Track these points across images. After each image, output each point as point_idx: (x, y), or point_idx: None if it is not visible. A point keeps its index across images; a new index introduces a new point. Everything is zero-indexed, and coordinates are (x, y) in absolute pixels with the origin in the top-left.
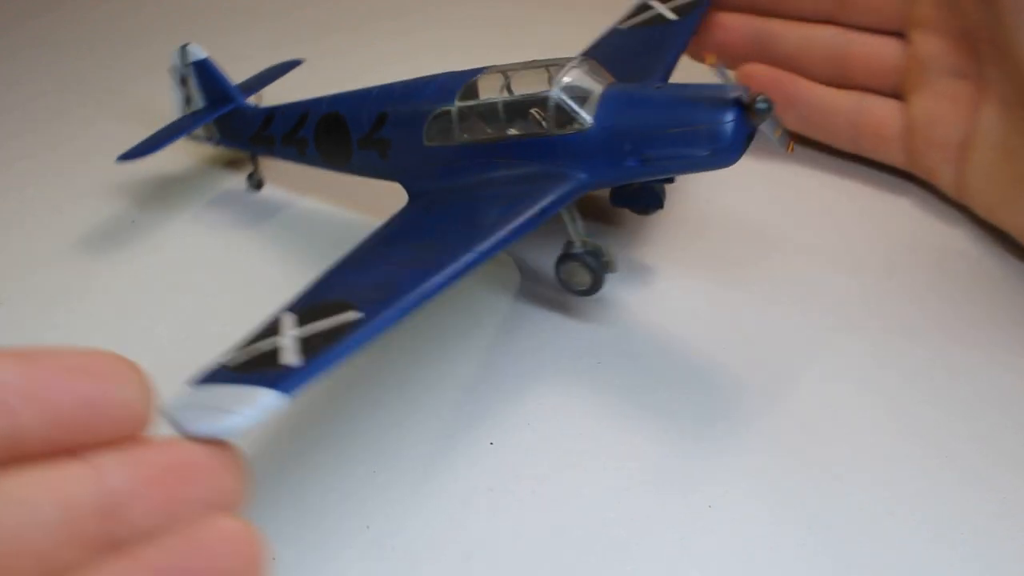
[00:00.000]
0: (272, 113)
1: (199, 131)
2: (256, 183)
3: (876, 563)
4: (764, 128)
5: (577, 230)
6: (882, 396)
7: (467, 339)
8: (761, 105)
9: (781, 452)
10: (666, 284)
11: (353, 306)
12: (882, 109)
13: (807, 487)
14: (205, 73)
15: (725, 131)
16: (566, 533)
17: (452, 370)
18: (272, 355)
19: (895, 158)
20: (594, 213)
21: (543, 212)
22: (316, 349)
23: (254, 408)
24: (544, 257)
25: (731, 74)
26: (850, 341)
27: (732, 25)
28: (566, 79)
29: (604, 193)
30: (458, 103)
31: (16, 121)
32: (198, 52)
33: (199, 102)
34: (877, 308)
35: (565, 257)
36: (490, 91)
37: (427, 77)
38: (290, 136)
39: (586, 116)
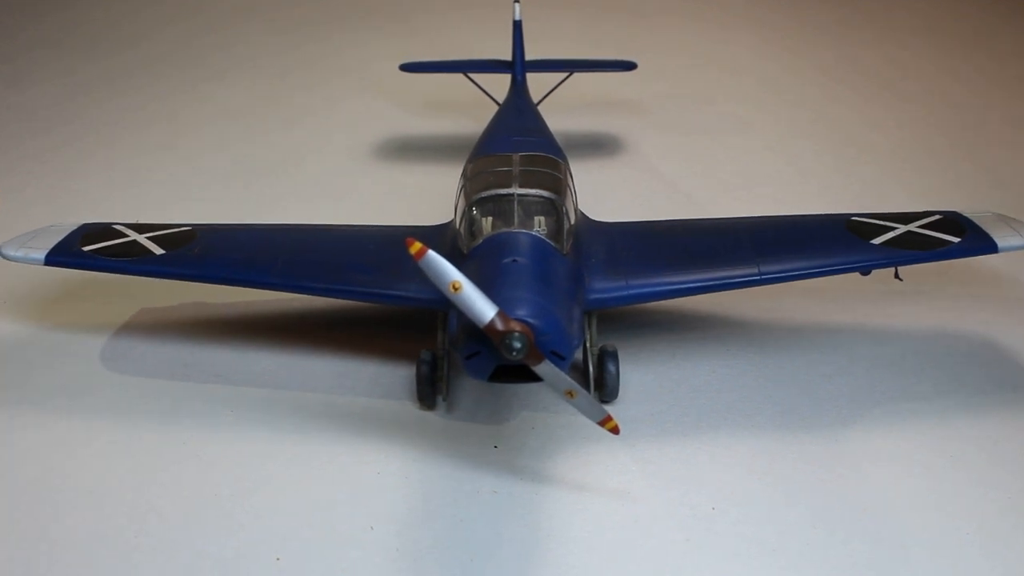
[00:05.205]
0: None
1: None
2: None
3: (880, 564)
4: (577, 405)
5: (443, 338)
6: (885, 394)
7: None
8: (512, 343)
9: (785, 452)
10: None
11: (193, 237)
12: None
13: (811, 487)
14: (516, 33)
15: (462, 355)
16: (570, 535)
17: (456, 372)
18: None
19: None
20: None
21: (377, 295)
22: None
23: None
24: None
25: None
26: (853, 338)
27: None
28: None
29: None
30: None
31: None
32: (517, 12)
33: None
34: (881, 306)
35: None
36: None
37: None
38: None
39: (464, 244)
